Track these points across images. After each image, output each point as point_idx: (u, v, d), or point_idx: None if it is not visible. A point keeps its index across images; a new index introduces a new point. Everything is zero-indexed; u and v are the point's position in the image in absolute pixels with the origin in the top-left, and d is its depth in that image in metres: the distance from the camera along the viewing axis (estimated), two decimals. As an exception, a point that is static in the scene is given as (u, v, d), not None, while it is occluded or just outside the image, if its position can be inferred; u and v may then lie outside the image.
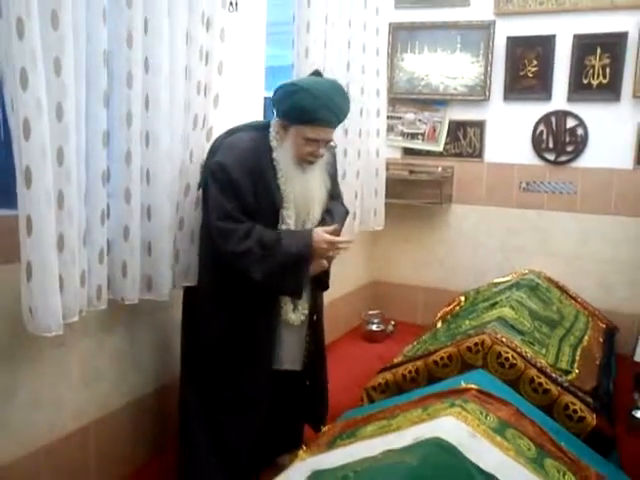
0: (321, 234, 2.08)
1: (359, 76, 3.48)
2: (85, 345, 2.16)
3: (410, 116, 4.18)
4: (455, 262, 4.18)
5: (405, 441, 1.60)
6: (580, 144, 3.79)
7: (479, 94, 3.97)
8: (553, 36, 3.75)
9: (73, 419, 2.14)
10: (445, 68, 4.03)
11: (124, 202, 2.04)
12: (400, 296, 4.31)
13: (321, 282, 2.28)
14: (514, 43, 3.84)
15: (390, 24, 3.94)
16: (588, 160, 3.79)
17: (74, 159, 1.78)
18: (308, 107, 1.98)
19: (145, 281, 2.19)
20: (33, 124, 1.61)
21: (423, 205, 4.10)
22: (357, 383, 2.81)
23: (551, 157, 3.88)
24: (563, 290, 3.68)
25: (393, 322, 4.09)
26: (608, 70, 3.65)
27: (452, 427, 1.64)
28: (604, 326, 3.53)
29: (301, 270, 2.07)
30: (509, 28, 3.85)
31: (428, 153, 4.17)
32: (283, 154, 2.09)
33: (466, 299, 3.59)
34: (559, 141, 3.83)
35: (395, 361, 2.72)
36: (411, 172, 4.09)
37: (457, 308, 3.50)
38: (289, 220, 2.12)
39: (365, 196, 3.74)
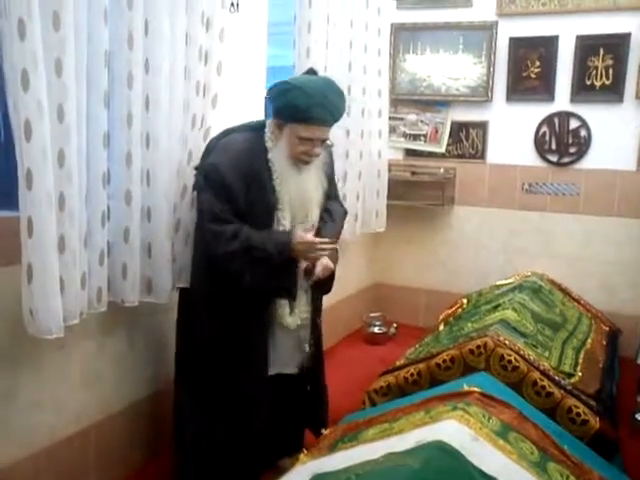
0: (301, 234, 2.06)
1: (361, 77, 3.47)
2: (85, 347, 2.16)
3: (412, 117, 4.17)
4: (457, 264, 4.17)
5: (407, 444, 1.60)
6: (583, 145, 3.78)
7: (481, 95, 3.96)
8: (556, 37, 3.74)
9: (73, 421, 2.14)
10: (447, 69, 4.01)
11: (124, 204, 2.04)
12: (402, 298, 4.29)
13: (324, 286, 2.26)
14: (517, 44, 3.83)
15: (392, 25, 3.93)
16: (591, 161, 3.78)
17: (75, 160, 1.78)
18: (301, 105, 1.96)
19: (145, 283, 2.19)
20: (34, 125, 1.61)
21: (425, 207, 4.09)
22: (359, 386, 2.80)
23: (554, 158, 3.86)
24: (566, 292, 3.67)
25: (395, 324, 4.07)
26: (611, 71, 3.64)
27: (454, 430, 1.63)
28: (607, 329, 3.52)
29: (285, 271, 2.05)
30: (512, 29, 3.84)
31: (430, 154, 4.16)
32: (278, 154, 2.07)
33: (468, 301, 3.58)
34: (562, 142, 3.82)
35: (397, 364, 2.72)
36: (413, 173, 4.08)
37: (459, 310, 3.49)
38: (284, 221, 2.10)
39: (367, 197, 3.73)
